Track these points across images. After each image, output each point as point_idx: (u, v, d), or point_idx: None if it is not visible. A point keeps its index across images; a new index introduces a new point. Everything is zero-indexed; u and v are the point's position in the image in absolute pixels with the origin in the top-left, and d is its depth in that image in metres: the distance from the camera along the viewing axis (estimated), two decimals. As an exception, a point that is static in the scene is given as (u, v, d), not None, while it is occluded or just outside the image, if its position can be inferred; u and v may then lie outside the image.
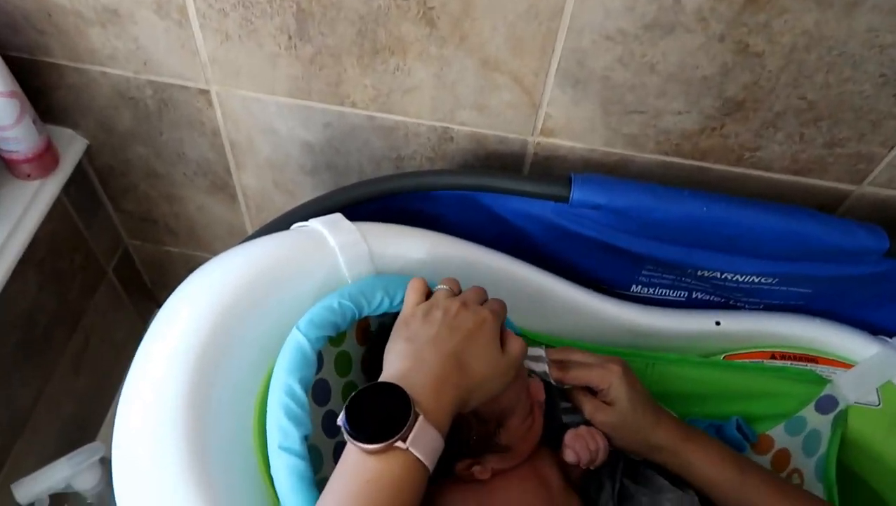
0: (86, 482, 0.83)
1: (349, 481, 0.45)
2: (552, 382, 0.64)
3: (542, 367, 0.65)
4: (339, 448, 0.57)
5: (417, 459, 0.45)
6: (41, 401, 0.95)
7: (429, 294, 0.58)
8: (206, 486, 0.48)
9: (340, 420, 0.46)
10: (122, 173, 0.92)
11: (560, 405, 0.67)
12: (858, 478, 0.72)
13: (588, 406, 0.64)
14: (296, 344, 0.53)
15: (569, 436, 0.65)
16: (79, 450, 0.84)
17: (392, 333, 0.55)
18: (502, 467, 0.62)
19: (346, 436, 0.46)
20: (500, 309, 0.58)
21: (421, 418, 0.46)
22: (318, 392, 0.57)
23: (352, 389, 0.62)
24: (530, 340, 0.72)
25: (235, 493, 0.49)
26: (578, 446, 0.64)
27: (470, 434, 0.60)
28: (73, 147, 0.86)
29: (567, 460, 0.65)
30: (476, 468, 0.61)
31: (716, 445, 0.63)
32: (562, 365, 0.65)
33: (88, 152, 0.89)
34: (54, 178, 0.84)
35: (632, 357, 0.74)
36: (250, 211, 0.94)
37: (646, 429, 0.63)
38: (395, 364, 0.51)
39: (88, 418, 1.06)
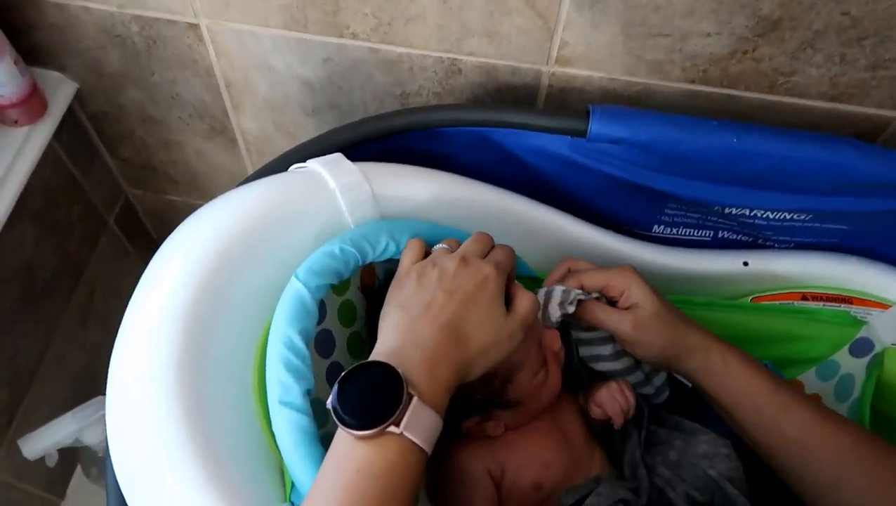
0: (94, 436, 0.82)
1: (339, 470, 0.42)
2: (578, 295, 0.58)
3: (556, 297, 0.58)
4: (345, 402, 0.54)
5: (413, 443, 0.42)
6: (47, 355, 0.93)
7: (428, 254, 0.54)
8: (201, 440, 0.45)
9: (330, 403, 0.43)
10: (116, 119, 0.88)
11: (574, 337, 0.63)
12: (893, 422, 0.68)
13: (612, 316, 0.58)
14: (294, 293, 0.49)
15: (600, 395, 0.62)
16: (86, 404, 0.83)
17: (388, 293, 0.52)
18: (517, 422, 0.59)
19: (335, 421, 0.42)
20: (506, 259, 0.53)
21: (415, 399, 0.42)
22: (321, 344, 0.54)
23: (357, 340, 0.59)
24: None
25: (235, 448, 0.47)
26: (610, 406, 0.61)
27: (474, 393, 0.56)
28: (61, 91, 0.82)
29: (594, 417, 0.62)
30: (489, 425, 0.59)
31: (746, 353, 0.58)
32: (572, 276, 0.60)
33: (80, 97, 0.85)
34: (44, 123, 0.80)
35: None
36: (251, 156, 0.90)
37: (674, 327, 0.57)
38: (389, 338, 0.47)
39: (98, 371, 1.05)
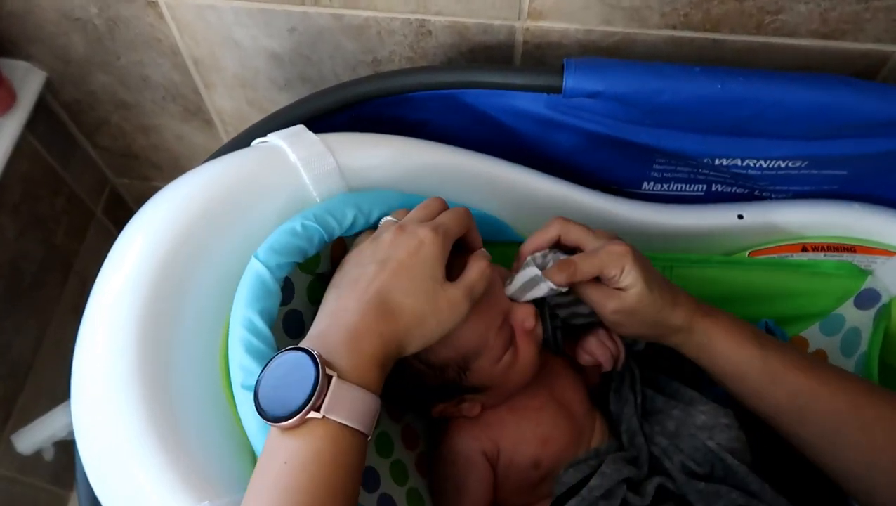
0: (91, 428, 0.81)
1: (268, 465, 0.40)
2: (560, 289, 0.53)
3: (544, 287, 0.53)
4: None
5: (342, 425, 0.40)
6: (43, 349, 0.93)
7: None
8: (165, 427, 0.44)
9: (252, 398, 0.41)
10: (90, 106, 0.86)
11: (548, 303, 0.59)
12: (903, 376, 0.65)
13: (596, 296, 0.54)
14: (254, 274, 0.47)
15: (588, 342, 0.59)
16: (80, 396, 0.82)
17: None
18: (494, 402, 0.57)
19: (258, 415, 0.41)
20: (452, 223, 0.49)
21: (335, 379, 0.40)
22: (290, 324, 0.52)
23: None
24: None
25: (203, 434, 0.45)
26: (600, 352, 0.58)
27: (426, 382, 0.53)
28: (30, 81, 0.80)
29: (583, 363, 0.59)
30: (464, 406, 0.56)
31: (737, 322, 0.54)
32: (563, 265, 0.53)
33: (50, 86, 0.83)
34: (13, 115, 0.78)
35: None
36: (230, 136, 0.87)
37: (663, 310, 0.53)
38: (316, 323, 0.45)
39: (99, 363, 1.04)
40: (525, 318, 0.53)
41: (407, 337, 0.44)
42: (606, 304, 0.53)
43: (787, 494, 0.55)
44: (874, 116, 0.58)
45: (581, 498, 0.52)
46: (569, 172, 0.66)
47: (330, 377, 0.40)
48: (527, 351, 0.53)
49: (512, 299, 0.54)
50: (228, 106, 0.82)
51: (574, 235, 0.55)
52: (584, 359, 0.59)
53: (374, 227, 0.55)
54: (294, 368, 0.41)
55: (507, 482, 0.57)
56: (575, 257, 0.53)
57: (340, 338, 0.43)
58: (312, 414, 0.39)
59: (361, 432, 0.41)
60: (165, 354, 0.46)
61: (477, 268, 0.48)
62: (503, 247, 0.64)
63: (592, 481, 0.52)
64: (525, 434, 0.56)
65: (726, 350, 0.53)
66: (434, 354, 0.51)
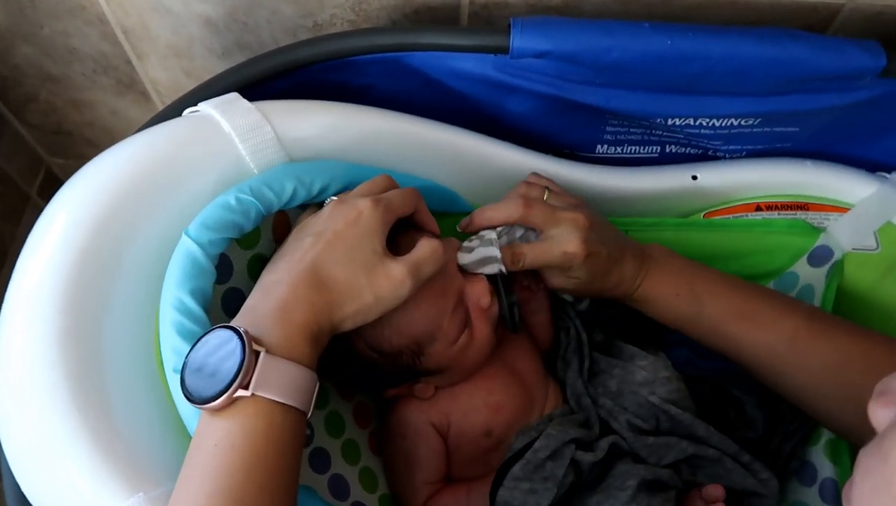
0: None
1: (198, 448, 0.38)
2: (502, 270, 0.53)
3: (494, 267, 0.52)
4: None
5: (274, 402, 0.38)
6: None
7: None
8: (93, 417, 0.41)
9: (179, 380, 0.39)
10: (15, 81, 0.81)
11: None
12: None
13: (545, 271, 0.56)
14: (184, 252, 0.45)
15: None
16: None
17: None
18: (449, 382, 0.55)
19: (185, 400, 0.38)
20: (398, 199, 0.47)
21: (263, 354, 0.38)
22: (230, 303, 0.50)
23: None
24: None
25: (137, 422, 0.43)
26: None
27: (381, 367, 0.52)
28: (-53, 56, 0.75)
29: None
30: (416, 387, 0.55)
31: (676, 277, 0.56)
32: (515, 254, 0.53)
33: (-29, 61, 0.78)
34: (-70, 93, 0.73)
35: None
36: (169, 110, 0.83)
37: (604, 287, 0.55)
38: (248, 300, 0.43)
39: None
40: (480, 296, 0.51)
41: (341, 309, 0.42)
42: (551, 278, 0.56)
43: (732, 435, 0.57)
44: (825, 70, 0.58)
45: (526, 461, 0.51)
46: (521, 137, 0.64)
47: (257, 353, 0.38)
48: (482, 330, 0.52)
49: (462, 269, 0.52)
50: (164, 77, 0.78)
51: (535, 219, 0.53)
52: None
53: (317, 200, 0.52)
54: (220, 347, 0.39)
55: (459, 453, 0.56)
56: (526, 248, 0.53)
57: (269, 311, 0.41)
58: (241, 392, 0.37)
59: (297, 409, 0.39)
60: (93, 339, 0.43)
61: (427, 246, 0.46)
62: (454, 218, 0.62)
63: (537, 443, 0.51)
64: (476, 403, 0.56)
65: (663, 311, 0.56)
66: (386, 342, 0.49)
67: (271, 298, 0.41)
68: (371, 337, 0.49)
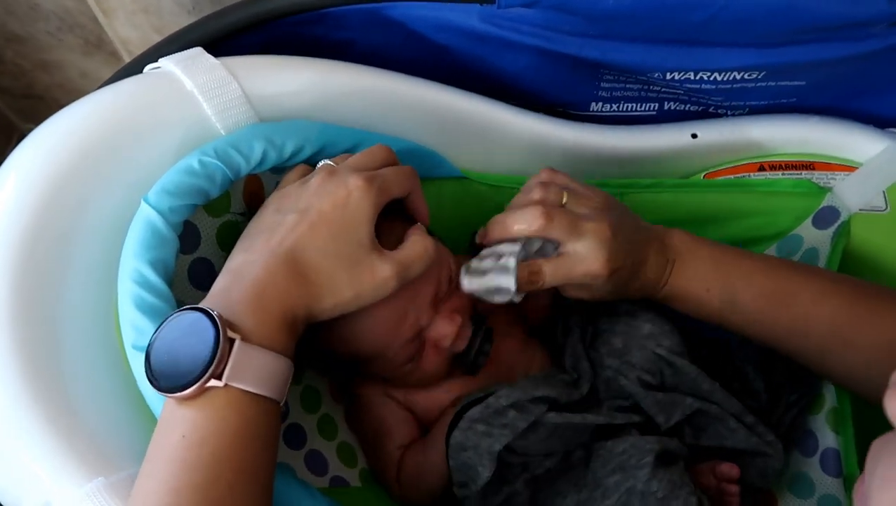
0: None
1: (161, 442, 0.35)
2: (515, 300, 0.48)
3: (505, 297, 0.48)
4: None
5: (247, 393, 0.35)
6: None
7: None
8: (51, 395, 0.39)
9: (143, 361, 0.36)
10: (-22, 42, 0.77)
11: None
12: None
13: (562, 283, 0.49)
14: (143, 220, 0.41)
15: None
16: None
17: None
18: (397, 386, 0.53)
19: (151, 387, 0.36)
20: (393, 179, 0.43)
21: (238, 342, 0.35)
22: (198, 275, 0.47)
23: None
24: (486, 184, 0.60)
25: (96, 403, 0.41)
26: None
27: (329, 362, 0.50)
28: None
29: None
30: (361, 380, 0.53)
31: (703, 274, 0.51)
32: (532, 275, 0.47)
33: (-71, 20, 0.74)
34: None
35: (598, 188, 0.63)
36: (141, 70, 0.79)
37: (626, 291, 0.51)
38: (220, 278, 0.40)
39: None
40: (442, 338, 0.48)
41: (319, 303, 0.39)
42: (568, 291, 0.51)
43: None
44: (835, 18, 0.54)
45: (486, 405, 0.48)
46: (510, 95, 0.61)
47: (232, 341, 0.35)
48: (432, 365, 0.50)
49: (464, 289, 0.48)
50: (134, 36, 0.74)
51: (556, 232, 0.47)
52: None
53: (289, 163, 0.49)
54: (190, 331, 0.36)
55: (432, 422, 0.54)
56: (546, 268, 0.48)
57: (244, 295, 0.37)
58: (213, 382, 0.35)
59: (271, 399, 0.36)
60: (47, 315, 0.41)
61: (419, 246, 0.42)
62: (439, 182, 0.59)
63: (501, 391, 0.48)
64: (439, 394, 0.53)
65: (694, 308, 0.52)
66: (327, 343, 0.46)
67: (245, 281, 0.38)
68: (320, 336, 0.46)
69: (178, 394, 0.35)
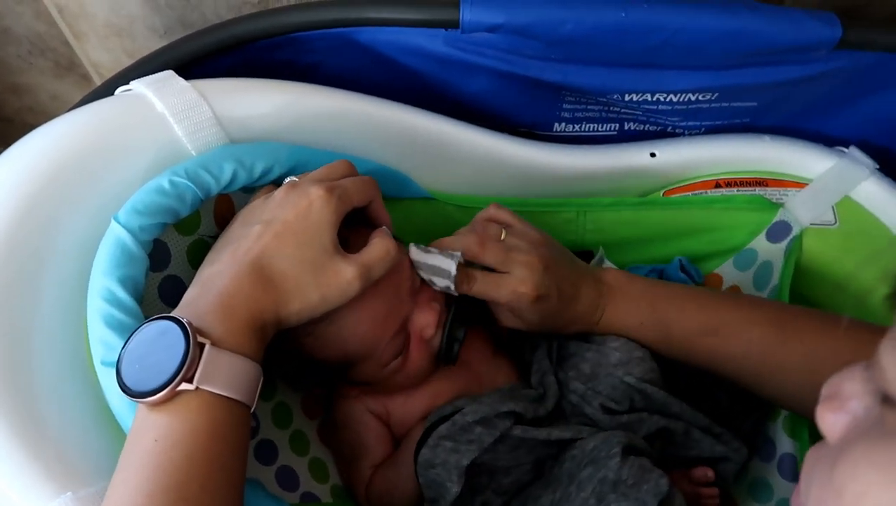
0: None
1: (136, 445, 0.36)
2: (452, 290, 0.50)
3: (444, 282, 0.50)
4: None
5: (218, 396, 0.36)
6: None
7: None
8: (18, 410, 0.39)
9: (114, 372, 0.37)
10: (-53, 65, 0.77)
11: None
12: (812, 302, 0.65)
13: (493, 306, 0.53)
14: (113, 239, 0.42)
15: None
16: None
17: None
18: (377, 394, 0.54)
19: (121, 392, 0.37)
20: (354, 188, 0.45)
21: (208, 347, 0.36)
22: (168, 292, 0.47)
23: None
24: (446, 201, 0.62)
25: (66, 420, 0.41)
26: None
27: (314, 369, 0.50)
28: None
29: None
30: (344, 390, 0.54)
31: (634, 309, 0.54)
32: (466, 278, 0.50)
33: None
34: None
35: (560, 207, 0.65)
36: (113, 93, 0.80)
37: (562, 327, 0.55)
38: (188, 291, 0.41)
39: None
40: (425, 326, 0.49)
41: (286, 307, 0.40)
42: (501, 317, 0.53)
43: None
44: (781, 42, 0.57)
45: (453, 422, 0.49)
46: (476, 116, 0.63)
47: (202, 345, 0.36)
48: (418, 360, 0.51)
49: (413, 266, 0.50)
50: (105, 59, 0.74)
51: (488, 259, 0.51)
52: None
53: (259, 183, 0.50)
54: (160, 338, 0.37)
55: (402, 432, 0.55)
56: (479, 275, 0.50)
57: (212, 304, 0.38)
58: (184, 386, 0.36)
59: (241, 403, 0.37)
60: (18, 333, 0.41)
61: (380, 246, 0.44)
62: (407, 203, 0.60)
63: (467, 407, 0.50)
64: (415, 391, 0.55)
65: (621, 327, 0.55)
66: (319, 352, 0.48)
67: (213, 291, 0.39)
68: (306, 344, 0.47)
69: (151, 399, 0.35)
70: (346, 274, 0.42)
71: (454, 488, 0.48)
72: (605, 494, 0.49)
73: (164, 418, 0.36)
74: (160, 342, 0.36)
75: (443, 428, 0.49)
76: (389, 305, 0.48)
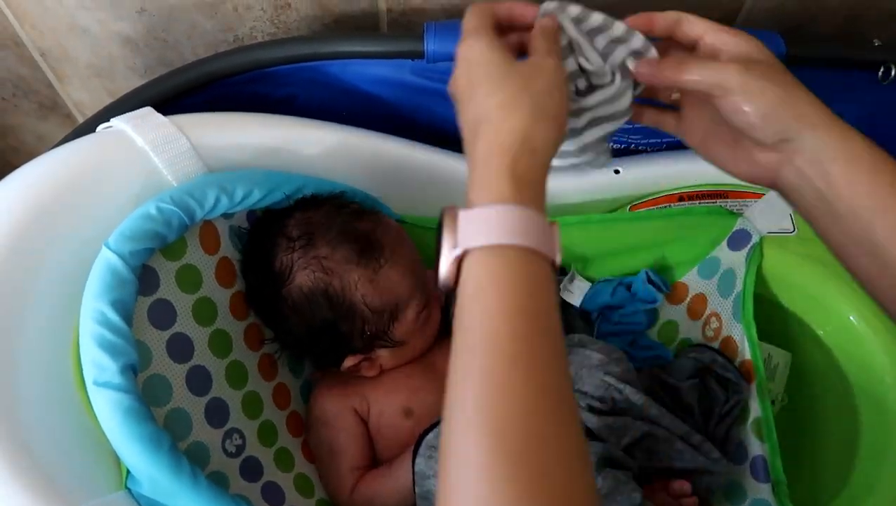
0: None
1: (470, 301, 0.35)
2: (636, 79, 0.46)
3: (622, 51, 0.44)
4: (191, 375, 0.50)
5: (495, 247, 0.35)
6: None
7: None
8: (7, 433, 0.40)
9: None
10: (-66, 110, 0.80)
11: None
12: (777, 306, 0.67)
13: (704, 69, 0.43)
14: (104, 264, 0.44)
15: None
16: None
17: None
18: (395, 363, 0.59)
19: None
20: (473, 20, 0.45)
21: (461, 211, 0.36)
22: (157, 315, 0.49)
23: (207, 305, 0.54)
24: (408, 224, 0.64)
25: (53, 440, 0.42)
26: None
27: (364, 327, 0.55)
28: None
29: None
30: (364, 365, 0.58)
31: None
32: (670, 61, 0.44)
33: None
34: None
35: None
36: (95, 132, 0.82)
37: (787, 88, 0.43)
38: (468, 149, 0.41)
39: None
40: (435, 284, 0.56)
41: (529, 122, 0.39)
42: (724, 67, 0.43)
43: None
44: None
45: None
46: (445, 140, 0.65)
47: (456, 212, 0.36)
48: (436, 314, 0.59)
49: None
50: (87, 99, 0.77)
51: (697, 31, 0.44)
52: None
53: (239, 207, 0.53)
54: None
55: (382, 435, 0.58)
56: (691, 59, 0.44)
57: (471, 177, 0.39)
58: (454, 252, 0.35)
59: (530, 250, 0.35)
60: (5, 363, 0.42)
61: (541, 35, 0.43)
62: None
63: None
64: (396, 384, 0.58)
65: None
66: (378, 297, 0.55)
67: (469, 167, 0.40)
68: (368, 291, 0.54)
69: (441, 276, 0.36)
70: (538, 63, 0.41)
71: None
72: None
73: (467, 281, 0.35)
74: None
75: (431, 437, 0.52)
76: (416, 253, 0.59)
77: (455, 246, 0.36)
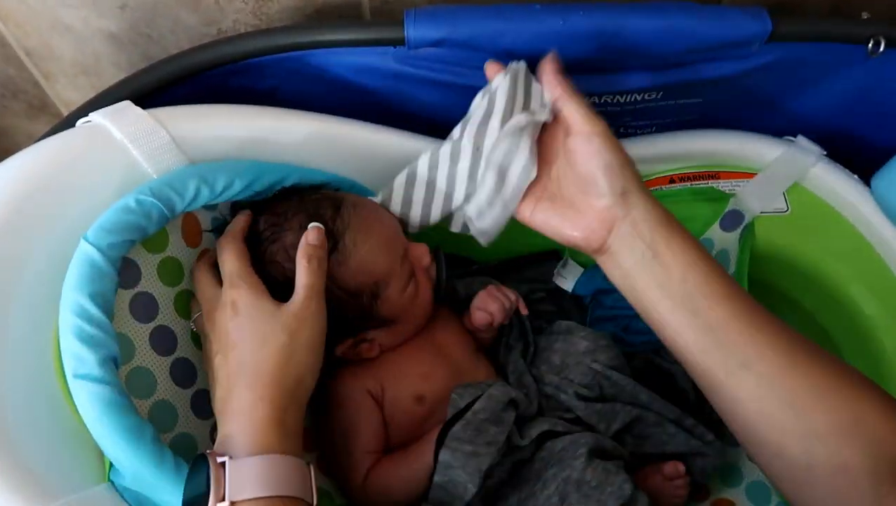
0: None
1: None
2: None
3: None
4: (175, 367, 0.50)
5: (262, 499, 0.39)
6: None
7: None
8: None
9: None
10: (-77, 114, 0.80)
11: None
12: (771, 287, 0.67)
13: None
14: (83, 256, 0.44)
15: (479, 298, 0.60)
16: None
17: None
18: (393, 341, 0.58)
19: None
20: (228, 257, 0.50)
21: (228, 461, 0.39)
22: (138, 307, 0.49)
23: (188, 297, 0.54)
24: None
25: (34, 434, 0.42)
26: (491, 304, 0.59)
27: (345, 312, 0.54)
28: None
29: (477, 325, 0.60)
30: (363, 347, 0.57)
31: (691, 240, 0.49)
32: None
33: None
34: None
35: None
36: (86, 131, 0.82)
37: (622, 168, 0.52)
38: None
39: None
40: (421, 255, 0.58)
41: (284, 370, 0.45)
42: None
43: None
44: (714, 39, 0.59)
45: (466, 422, 0.51)
46: (429, 127, 0.65)
47: (221, 462, 0.39)
48: (424, 286, 0.58)
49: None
50: (76, 97, 0.77)
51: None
52: (478, 317, 0.60)
53: (221, 198, 0.52)
54: (195, 472, 0.41)
55: (395, 421, 0.57)
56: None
57: (233, 426, 0.43)
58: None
59: (293, 498, 0.40)
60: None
61: (301, 270, 0.49)
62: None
63: (477, 404, 0.52)
64: (406, 370, 0.58)
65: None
66: (351, 279, 0.53)
67: (229, 414, 0.44)
68: (339, 275, 0.53)
69: None
70: (296, 309, 0.47)
71: (472, 489, 0.50)
72: (568, 492, 0.50)
73: None
74: (195, 475, 0.40)
75: (458, 430, 0.51)
76: (391, 228, 0.56)
77: (222, 499, 0.39)
